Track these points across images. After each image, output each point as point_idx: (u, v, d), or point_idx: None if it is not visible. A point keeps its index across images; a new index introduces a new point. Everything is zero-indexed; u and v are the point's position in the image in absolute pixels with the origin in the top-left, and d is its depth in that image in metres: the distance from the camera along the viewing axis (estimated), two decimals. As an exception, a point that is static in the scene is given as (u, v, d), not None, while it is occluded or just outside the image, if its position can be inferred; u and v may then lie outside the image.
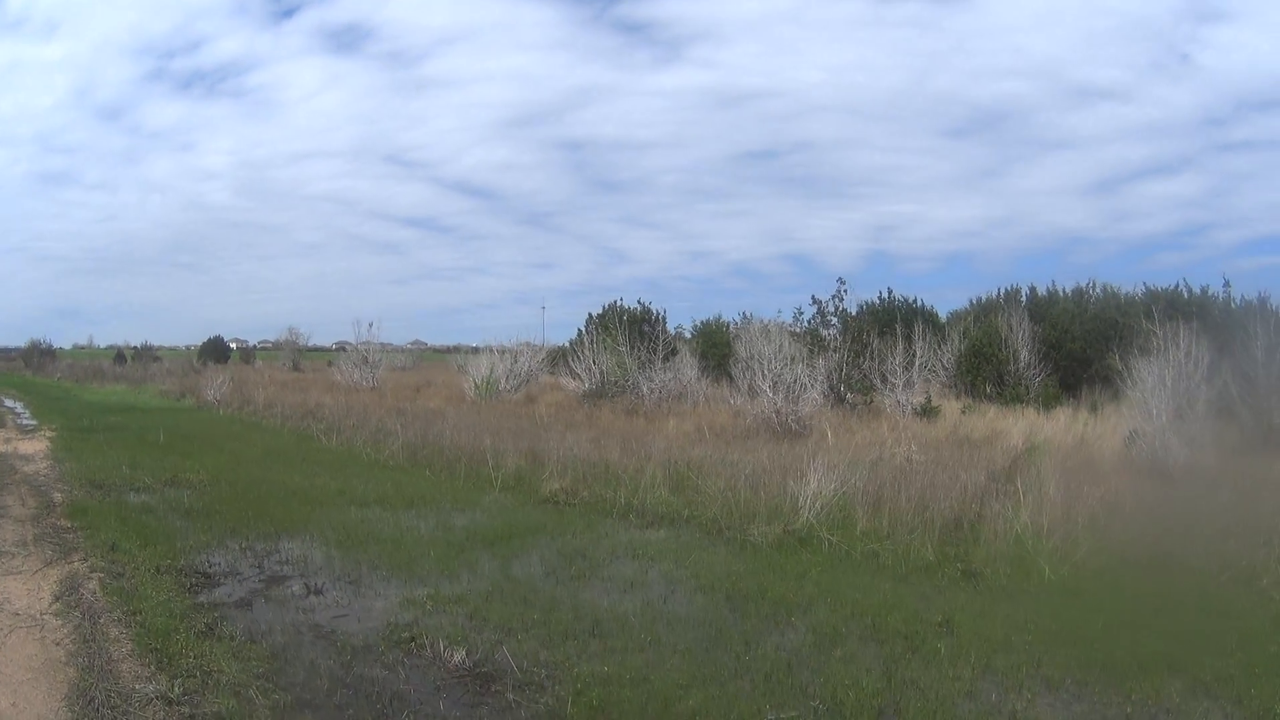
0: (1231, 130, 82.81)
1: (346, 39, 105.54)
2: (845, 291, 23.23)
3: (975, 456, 14.78)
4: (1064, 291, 30.66)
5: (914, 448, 13.32)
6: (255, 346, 74.97)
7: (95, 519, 9.26)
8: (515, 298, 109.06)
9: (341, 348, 78.51)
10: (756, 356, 24.13)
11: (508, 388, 27.09)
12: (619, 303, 35.54)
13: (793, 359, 20.47)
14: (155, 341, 70.12)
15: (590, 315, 37.25)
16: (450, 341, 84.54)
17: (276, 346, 65.61)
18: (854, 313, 23.77)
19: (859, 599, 6.73)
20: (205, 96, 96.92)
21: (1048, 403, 23.43)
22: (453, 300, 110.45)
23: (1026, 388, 25.76)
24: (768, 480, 11.01)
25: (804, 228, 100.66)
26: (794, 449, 15.60)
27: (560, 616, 6.07)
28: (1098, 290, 29.46)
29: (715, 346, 27.09)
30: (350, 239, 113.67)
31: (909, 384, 22.30)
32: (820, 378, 19.51)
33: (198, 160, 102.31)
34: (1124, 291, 29.51)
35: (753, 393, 24.21)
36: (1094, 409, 21.80)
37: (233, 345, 68.40)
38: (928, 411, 21.62)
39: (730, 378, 25.71)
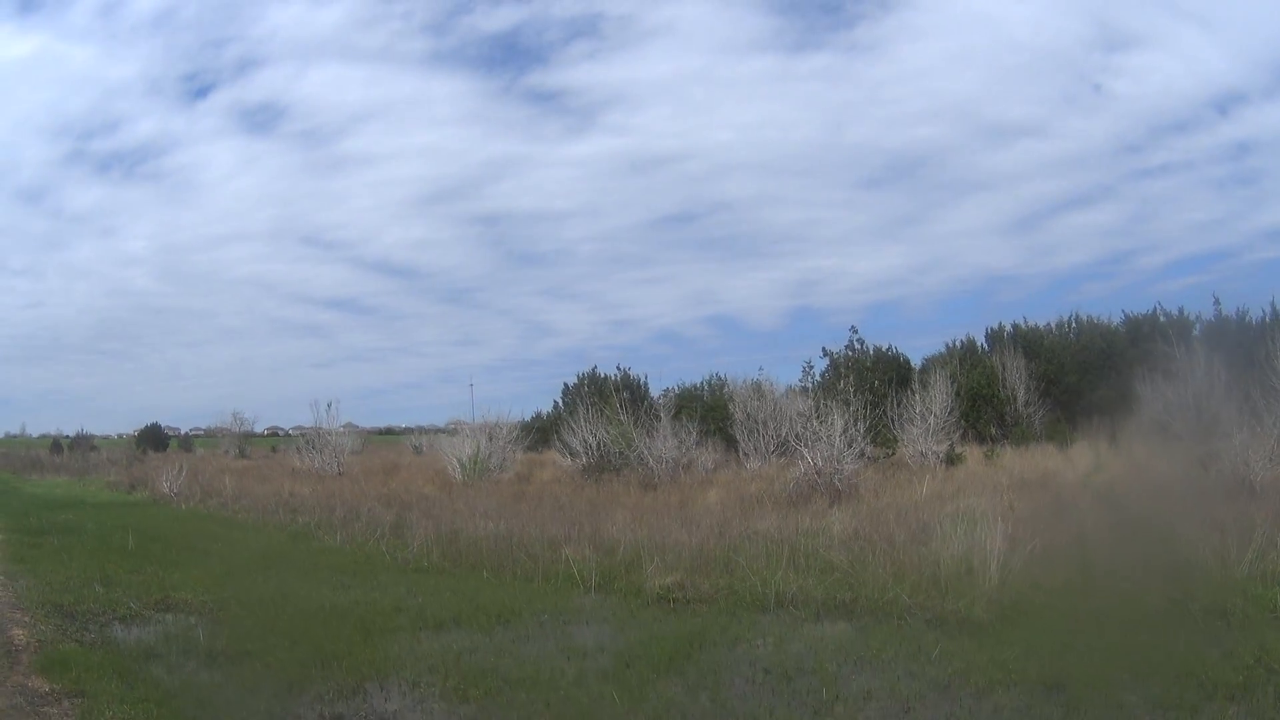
0: (1148, 156, 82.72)
1: (260, 118, 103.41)
2: (859, 342, 22.43)
3: (1060, 499, 14.00)
4: (1039, 326, 30.72)
5: (1013, 495, 12.30)
6: (190, 434, 70.55)
7: (85, 677, 6.39)
8: (440, 376, 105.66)
9: (274, 433, 74.62)
10: (765, 418, 23.12)
11: (493, 466, 25.31)
12: (595, 370, 34.27)
13: (815, 417, 19.47)
14: (89, 430, 64.85)
15: (566, 385, 35.92)
16: (379, 423, 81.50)
17: (210, 433, 61.57)
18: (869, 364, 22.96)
19: (1159, 660, 6.05)
20: (124, 179, 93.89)
21: (1062, 438, 22.95)
22: (377, 382, 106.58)
23: (1030, 425, 25.37)
24: (902, 545, 9.88)
25: (726, 289, 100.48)
26: (858, 509, 14.49)
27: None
28: (1075, 322, 29.58)
29: (713, 410, 25.93)
30: (273, 323, 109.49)
31: (927, 433, 21.54)
32: (851, 434, 18.44)
33: (120, 245, 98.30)
34: (1101, 320, 29.75)
35: (762, 455, 23.11)
36: (1112, 440, 21.38)
37: (168, 432, 64.23)
38: (953, 459, 20.83)
39: (735, 442, 24.53)
